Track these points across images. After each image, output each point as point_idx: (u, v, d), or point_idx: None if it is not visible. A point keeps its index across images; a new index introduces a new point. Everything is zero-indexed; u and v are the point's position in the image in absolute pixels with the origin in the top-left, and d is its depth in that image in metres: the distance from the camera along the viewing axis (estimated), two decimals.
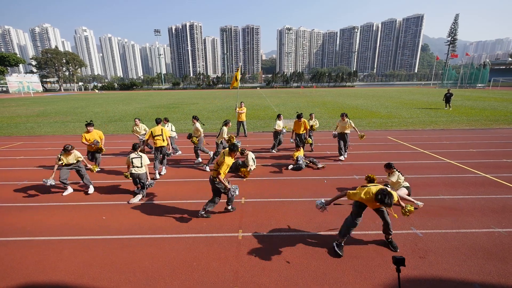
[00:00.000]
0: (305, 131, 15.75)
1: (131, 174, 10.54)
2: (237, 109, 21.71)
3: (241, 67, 22.32)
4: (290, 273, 6.40)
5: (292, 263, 6.73)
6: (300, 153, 14.14)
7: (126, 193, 11.18)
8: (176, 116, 35.27)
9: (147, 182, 10.78)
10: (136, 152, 10.74)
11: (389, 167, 10.31)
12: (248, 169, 13.07)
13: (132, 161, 10.52)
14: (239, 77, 22.13)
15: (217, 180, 8.66)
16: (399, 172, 10.28)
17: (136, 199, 10.65)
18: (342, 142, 15.06)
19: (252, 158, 13.45)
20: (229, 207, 9.55)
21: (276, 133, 17.10)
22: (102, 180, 12.69)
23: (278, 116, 17.21)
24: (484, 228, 8.09)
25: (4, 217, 9.37)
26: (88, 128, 13.18)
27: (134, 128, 16.16)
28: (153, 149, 13.37)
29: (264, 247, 7.38)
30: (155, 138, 13.23)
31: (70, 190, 11.40)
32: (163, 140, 13.30)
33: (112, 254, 7.20)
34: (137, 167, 10.53)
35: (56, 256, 7.12)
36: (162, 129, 13.36)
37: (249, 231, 8.20)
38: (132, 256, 7.08)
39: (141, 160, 10.65)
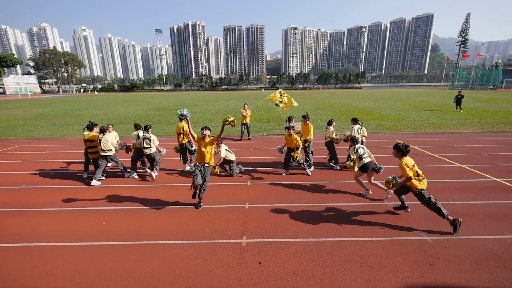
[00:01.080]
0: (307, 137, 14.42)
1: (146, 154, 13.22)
2: (242, 111, 21.77)
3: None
4: (295, 280, 6.39)
5: (297, 270, 6.72)
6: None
7: (125, 198, 11.18)
8: (178, 119, 35.03)
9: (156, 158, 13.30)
10: (147, 133, 13.06)
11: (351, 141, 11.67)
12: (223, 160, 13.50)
13: (143, 141, 12.94)
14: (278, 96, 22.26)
15: None
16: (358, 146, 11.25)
17: (154, 174, 13.27)
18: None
19: (226, 149, 13.49)
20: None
21: (330, 143, 14.80)
22: (100, 185, 12.74)
23: (330, 122, 15.06)
24: (496, 235, 8.07)
25: (0, 222, 9.43)
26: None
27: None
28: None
29: (268, 254, 7.36)
30: (179, 135, 14.05)
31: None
32: (183, 137, 14.02)
33: (111, 261, 7.20)
34: (146, 147, 12.97)
35: (53, 263, 7.13)
36: (183, 126, 13.95)
37: (253, 237, 8.18)
38: (132, 263, 7.08)
39: (150, 141, 12.96)
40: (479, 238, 7.92)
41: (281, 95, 22.17)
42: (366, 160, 10.84)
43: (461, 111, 37.71)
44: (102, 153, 12.69)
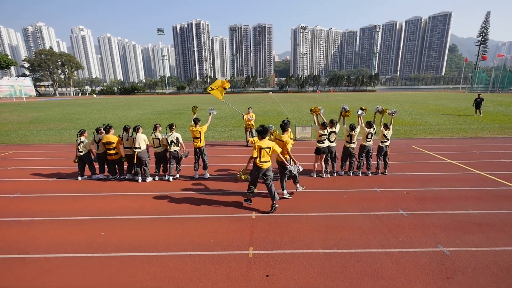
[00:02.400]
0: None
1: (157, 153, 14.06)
2: (245, 115, 21.64)
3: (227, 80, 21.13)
4: None
5: (307, 283, 6.73)
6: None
7: (126, 207, 11.20)
8: (181, 123, 35.30)
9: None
10: (155, 133, 13.91)
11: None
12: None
13: (153, 141, 13.92)
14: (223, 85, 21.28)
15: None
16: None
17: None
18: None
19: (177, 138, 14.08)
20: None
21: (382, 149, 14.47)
22: (98, 193, 12.75)
23: (384, 126, 14.63)
24: None
25: None
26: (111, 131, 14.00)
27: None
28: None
29: (276, 266, 7.35)
30: (194, 140, 14.17)
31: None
32: (200, 140, 14.16)
33: (111, 273, 7.22)
34: (156, 147, 13.92)
35: (50, 275, 7.16)
36: (199, 130, 14.09)
37: (260, 248, 8.18)
38: (133, 276, 7.10)
39: (159, 141, 13.84)
40: (500, 249, 7.90)
41: (212, 89, 21.31)
42: (322, 145, 13.58)
43: (481, 115, 37.57)
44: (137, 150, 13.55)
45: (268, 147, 10.23)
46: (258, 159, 10.25)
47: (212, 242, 8.56)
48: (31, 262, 7.70)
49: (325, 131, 13.57)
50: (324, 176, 14.21)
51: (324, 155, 13.99)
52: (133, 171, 14.24)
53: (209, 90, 21.02)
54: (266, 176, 10.50)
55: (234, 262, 7.55)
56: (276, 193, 10.58)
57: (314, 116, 14.32)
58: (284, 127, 11.39)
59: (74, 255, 7.99)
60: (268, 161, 10.40)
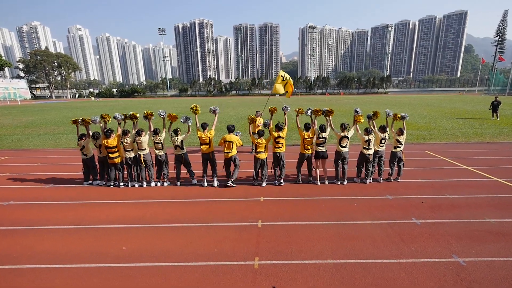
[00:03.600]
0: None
1: (159, 157, 14.23)
2: (258, 119, 21.60)
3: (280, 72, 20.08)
4: None
5: None
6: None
7: (124, 215, 11.21)
8: (183, 127, 34.93)
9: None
10: (157, 137, 14.32)
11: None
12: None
13: (154, 145, 14.16)
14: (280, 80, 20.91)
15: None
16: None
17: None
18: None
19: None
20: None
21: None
22: (97, 201, 12.78)
23: (399, 131, 15.14)
24: None
25: None
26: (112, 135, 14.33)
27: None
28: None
29: (284, 277, 7.35)
30: (203, 146, 14.13)
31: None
32: (209, 146, 14.17)
33: (110, 284, 7.23)
34: (158, 149, 14.16)
35: (46, 287, 7.16)
36: (208, 136, 14.13)
37: (266, 258, 8.16)
38: (133, 287, 7.13)
39: (161, 145, 14.23)
40: None
41: (283, 79, 20.68)
42: (319, 149, 13.94)
43: (498, 119, 37.31)
44: (141, 152, 14.17)
45: (231, 141, 13.80)
46: (224, 149, 13.90)
47: (216, 252, 8.55)
48: (26, 273, 7.70)
49: (323, 134, 13.86)
50: (321, 182, 14.35)
51: (325, 160, 14.25)
52: (133, 177, 14.36)
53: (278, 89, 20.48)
54: (233, 162, 14.08)
55: (239, 273, 7.54)
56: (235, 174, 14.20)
57: (314, 119, 14.42)
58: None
59: (71, 265, 8.00)
60: (230, 152, 13.82)
